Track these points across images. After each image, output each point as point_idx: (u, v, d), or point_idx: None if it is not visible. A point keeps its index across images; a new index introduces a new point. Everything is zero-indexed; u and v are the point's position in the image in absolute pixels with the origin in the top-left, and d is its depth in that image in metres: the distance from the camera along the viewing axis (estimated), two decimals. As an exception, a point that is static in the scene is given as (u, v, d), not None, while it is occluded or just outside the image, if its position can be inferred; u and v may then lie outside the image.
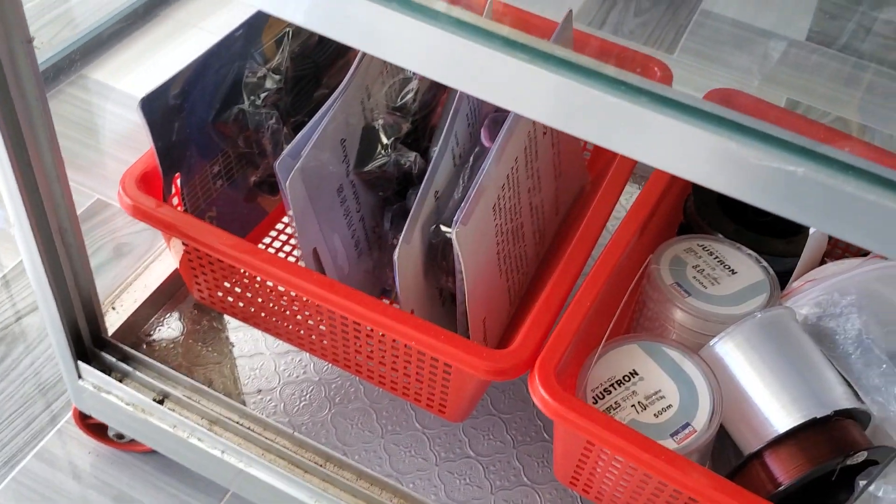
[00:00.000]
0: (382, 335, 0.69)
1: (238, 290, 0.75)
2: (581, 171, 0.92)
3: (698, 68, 1.38)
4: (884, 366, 0.67)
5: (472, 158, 0.76)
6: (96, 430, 0.83)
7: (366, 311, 0.65)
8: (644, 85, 0.40)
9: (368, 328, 0.69)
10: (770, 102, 0.88)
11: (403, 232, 0.68)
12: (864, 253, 0.84)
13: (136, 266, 0.93)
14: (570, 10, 0.82)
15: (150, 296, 0.81)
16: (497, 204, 0.73)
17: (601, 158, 0.93)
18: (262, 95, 0.77)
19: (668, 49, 1.42)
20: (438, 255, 0.70)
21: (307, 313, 0.73)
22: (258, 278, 0.73)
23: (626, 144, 0.41)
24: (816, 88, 1.35)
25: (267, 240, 0.88)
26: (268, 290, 0.74)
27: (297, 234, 0.69)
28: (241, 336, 0.82)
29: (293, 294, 0.72)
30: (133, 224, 1.05)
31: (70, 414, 0.87)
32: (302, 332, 0.76)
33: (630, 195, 0.97)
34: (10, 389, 0.90)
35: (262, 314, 0.77)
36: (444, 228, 0.70)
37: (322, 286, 0.65)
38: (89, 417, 0.82)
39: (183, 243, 0.73)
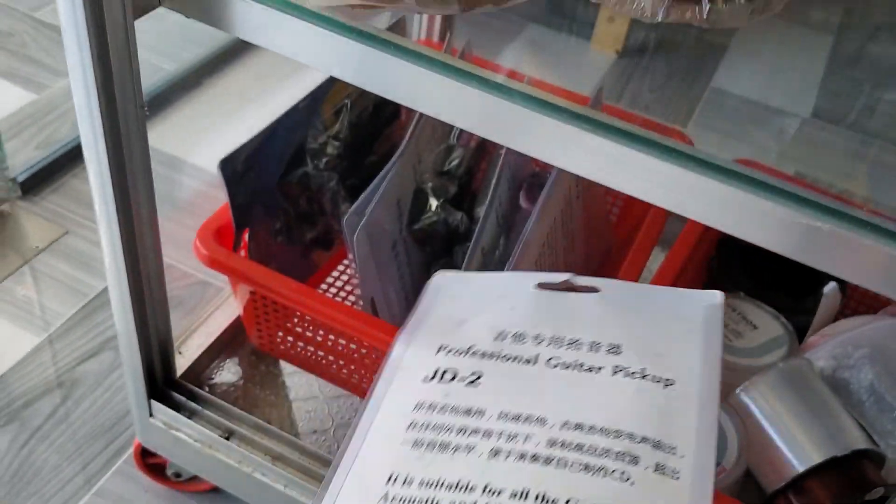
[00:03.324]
0: (434, 379, 0.75)
1: (299, 330, 0.81)
2: (608, 233, 0.99)
3: (711, 140, 1.47)
4: (895, 412, 0.73)
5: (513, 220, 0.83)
6: (155, 470, 0.89)
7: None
8: (686, 149, 0.47)
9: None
10: (783, 172, 0.95)
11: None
12: (872, 311, 0.90)
13: (191, 316, 1.00)
14: (602, 87, 0.90)
15: (213, 342, 0.87)
16: (538, 260, 0.79)
17: (626, 223, 1.00)
18: (324, 160, 0.84)
19: (682, 122, 1.50)
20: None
21: (362, 356, 0.79)
22: (317, 323, 0.80)
23: (697, 211, 0.48)
24: (823, 162, 1.43)
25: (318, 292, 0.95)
26: (325, 335, 0.81)
27: (359, 285, 0.76)
28: (296, 381, 0.88)
29: (351, 339, 0.78)
30: (182, 279, 1.12)
31: (128, 454, 0.93)
32: (355, 377, 0.82)
33: (655, 258, 1.03)
34: (70, 431, 0.96)
35: (318, 358, 0.83)
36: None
37: (387, 331, 0.72)
38: (150, 457, 0.87)
39: (250, 291, 0.80)
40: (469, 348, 0.47)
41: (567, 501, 0.38)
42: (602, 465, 0.40)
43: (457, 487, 0.39)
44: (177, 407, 0.78)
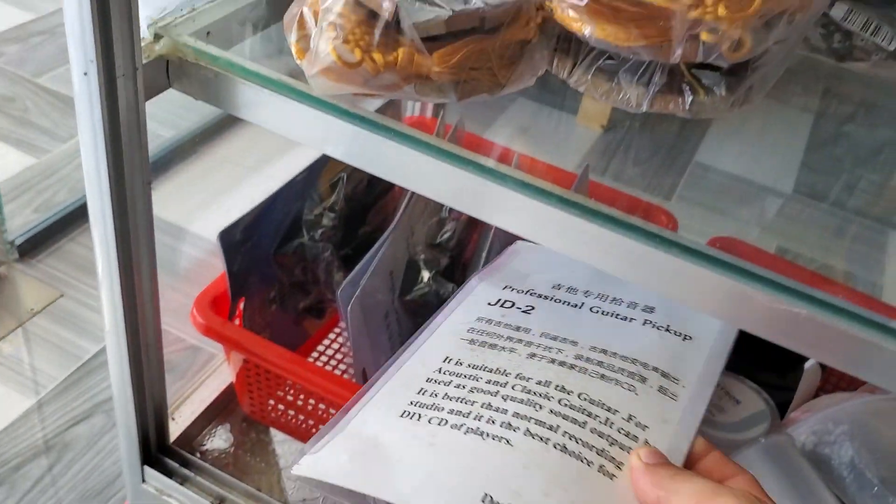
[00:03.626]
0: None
1: (290, 399, 0.83)
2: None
3: (694, 215, 1.50)
4: (875, 488, 0.75)
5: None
6: (143, 535, 0.89)
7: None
8: (671, 236, 0.50)
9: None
10: (765, 250, 0.98)
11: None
12: (852, 388, 0.93)
13: (183, 381, 1.01)
14: (588, 165, 0.94)
15: (205, 409, 0.88)
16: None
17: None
18: (320, 231, 0.87)
19: (666, 196, 1.54)
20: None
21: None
22: (308, 391, 0.81)
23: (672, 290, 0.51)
24: (803, 236, 1.47)
25: (309, 360, 0.96)
26: (315, 404, 0.82)
27: (352, 354, 0.78)
28: (286, 448, 0.89)
29: (341, 408, 0.80)
30: (174, 343, 1.13)
31: (116, 520, 0.93)
32: (345, 445, 0.83)
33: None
34: (59, 496, 0.96)
35: (308, 427, 0.84)
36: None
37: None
38: (138, 522, 0.88)
39: (243, 360, 0.81)
40: (529, 290, 0.59)
41: (580, 394, 0.50)
42: (615, 377, 0.51)
43: (495, 371, 0.51)
44: (169, 473, 0.79)
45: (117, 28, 0.53)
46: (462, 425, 0.47)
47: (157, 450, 0.79)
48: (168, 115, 1.51)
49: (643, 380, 0.51)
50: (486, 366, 0.51)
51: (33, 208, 1.31)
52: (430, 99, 0.55)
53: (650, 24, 0.52)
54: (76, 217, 1.29)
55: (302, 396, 0.82)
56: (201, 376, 0.92)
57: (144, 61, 0.56)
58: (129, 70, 0.55)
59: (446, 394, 0.49)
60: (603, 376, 0.51)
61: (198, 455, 0.85)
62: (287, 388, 0.83)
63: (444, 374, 0.51)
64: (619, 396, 0.50)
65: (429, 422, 0.47)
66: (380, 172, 0.55)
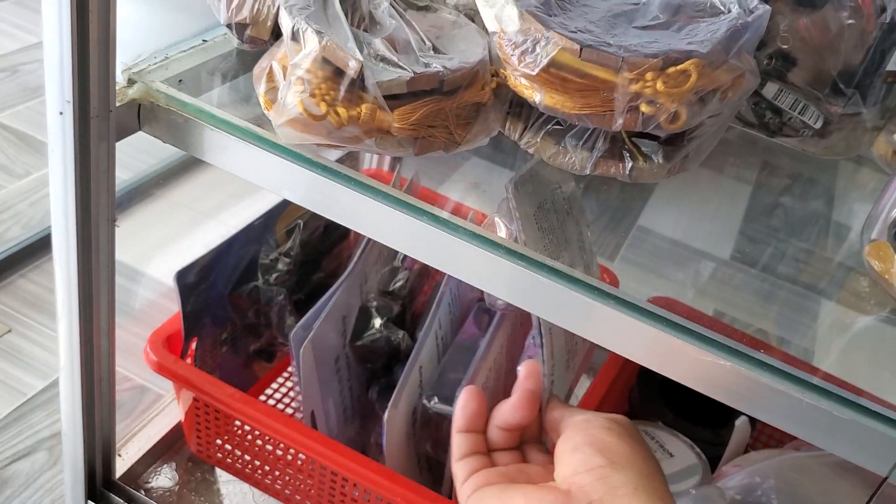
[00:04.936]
0: (367, 491, 0.78)
1: (237, 438, 0.84)
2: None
3: (635, 276, 1.55)
4: (797, 540, 0.79)
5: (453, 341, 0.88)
6: (81, 572, 0.89)
7: (358, 467, 0.75)
8: (615, 292, 0.54)
9: (354, 484, 0.78)
10: (701, 311, 1.02)
11: (392, 397, 0.78)
12: (780, 445, 0.97)
13: (129, 419, 1.01)
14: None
15: (152, 447, 0.89)
16: (485, 384, 0.84)
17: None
18: (274, 275, 0.89)
19: (610, 257, 1.58)
20: (431, 423, 0.81)
21: (297, 468, 0.82)
22: (256, 432, 0.83)
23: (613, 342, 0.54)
24: (740, 302, 1.52)
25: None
26: (261, 444, 0.83)
27: (301, 397, 0.80)
28: (231, 489, 0.90)
29: (288, 449, 0.81)
30: (122, 382, 1.13)
31: (54, 557, 0.93)
32: (289, 489, 0.85)
33: (582, 386, 1.09)
34: (-4, 531, 0.96)
35: (254, 468, 0.86)
36: (437, 404, 0.81)
37: (324, 444, 0.75)
38: (77, 560, 0.88)
39: (193, 398, 0.83)
40: None
41: None
42: None
43: None
44: (112, 509, 0.80)
45: (94, 72, 0.55)
46: None
47: (102, 485, 0.80)
48: (126, 158, 1.52)
49: None
50: None
51: (-16, 243, 1.31)
52: (389, 152, 0.58)
53: (594, 94, 0.56)
54: (28, 254, 1.29)
55: (250, 437, 0.84)
56: (149, 415, 0.93)
57: (118, 104, 0.59)
58: (102, 112, 0.58)
59: None
60: None
61: (142, 492, 0.85)
62: (235, 429, 0.84)
63: None
64: None
65: None
66: (338, 218, 0.58)
